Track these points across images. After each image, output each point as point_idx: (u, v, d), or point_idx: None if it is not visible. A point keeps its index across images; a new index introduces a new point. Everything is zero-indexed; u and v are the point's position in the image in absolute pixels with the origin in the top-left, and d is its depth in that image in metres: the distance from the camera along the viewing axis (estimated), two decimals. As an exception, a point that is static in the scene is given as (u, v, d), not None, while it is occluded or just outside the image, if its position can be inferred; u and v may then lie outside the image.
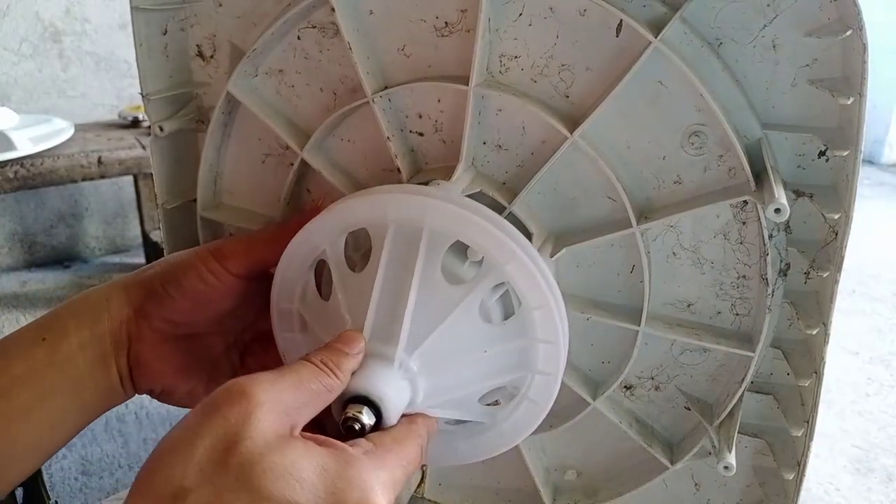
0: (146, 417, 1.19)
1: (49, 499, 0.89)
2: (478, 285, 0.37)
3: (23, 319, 1.54)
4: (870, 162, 2.62)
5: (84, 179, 1.49)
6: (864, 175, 2.46)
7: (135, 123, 1.67)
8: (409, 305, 0.36)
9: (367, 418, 0.34)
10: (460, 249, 0.40)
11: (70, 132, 1.54)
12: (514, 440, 0.41)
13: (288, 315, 0.42)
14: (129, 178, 1.75)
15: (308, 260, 0.40)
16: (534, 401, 0.39)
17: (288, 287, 0.41)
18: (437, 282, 0.37)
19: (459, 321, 0.37)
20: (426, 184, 0.44)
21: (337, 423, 0.34)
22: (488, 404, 0.45)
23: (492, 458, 0.53)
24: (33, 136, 1.46)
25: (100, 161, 1.48)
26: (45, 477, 0.93)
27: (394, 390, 0.35)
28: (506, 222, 0.38)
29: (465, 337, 0.37)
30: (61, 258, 1.86)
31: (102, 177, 1.50)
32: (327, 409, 0.33)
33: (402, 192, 0.38)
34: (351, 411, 0.34)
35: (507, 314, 0.42)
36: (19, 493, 0.87)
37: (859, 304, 1.60)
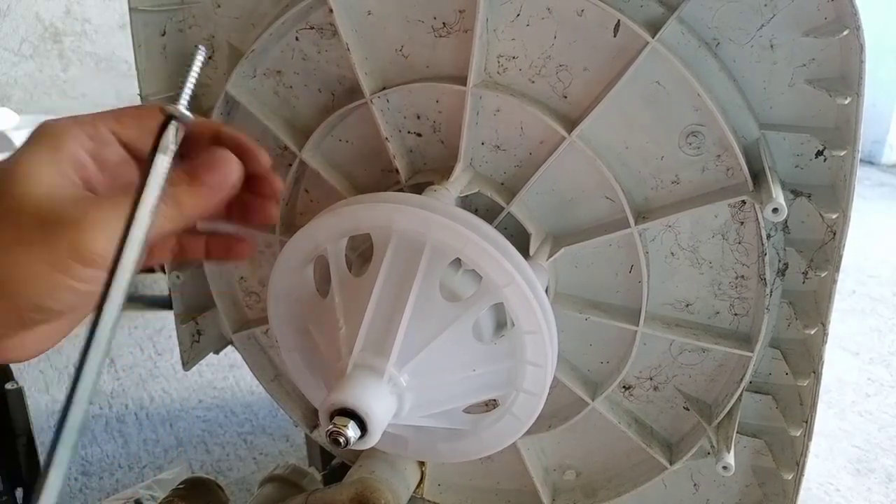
0: (146, 418, 1.18)
1: (49, 499, 0.88)
2: (474, 305, 0.37)
3: (23, 320, 1.54)
4: (870, 162, 2.61)
5: (84, 180, 1.49)
6: (864, 176, 2.45)
7: (135, 124, 1.67)
8: (405, 320, 0.36)
9: (353, 432, 0.34)
10: (455, 259, 0.40)
11: (70, 133, 1.54)
12: (491, 449, 0.42)
13: (291, 334, 0.43)
14: (129, 179, 1.75)
15: (309, 256, 0.40)
16: (516, 416, 0.40)
17: (286, 280, 0.41)
18: (433, 298, 0.37)
19: (452, 339, 0.37)
20: (425, 185, 0.44)
21: None
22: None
23: (491, 458, 0.54)
24: (33, 136, 1.46)
25: (100, 161, 1.48)
26: (45, 477, 0.93)
27: (381, 405, 0.35)
28: (507, 243, 0.38)
29: (456, 355, 0.38)
30: (61, 259, 1.86)
31: (102, 177, 1.50)
32: None
33: (409, 204, 0.38)
34: (337, 424, 0.34)
35: (499, 323, 0.42)
36: (19, 493, 0.87)
37: (859, 304, 1.60)
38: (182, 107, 0.29)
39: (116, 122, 0.32)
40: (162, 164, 0.29)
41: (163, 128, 0.29)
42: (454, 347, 0.37)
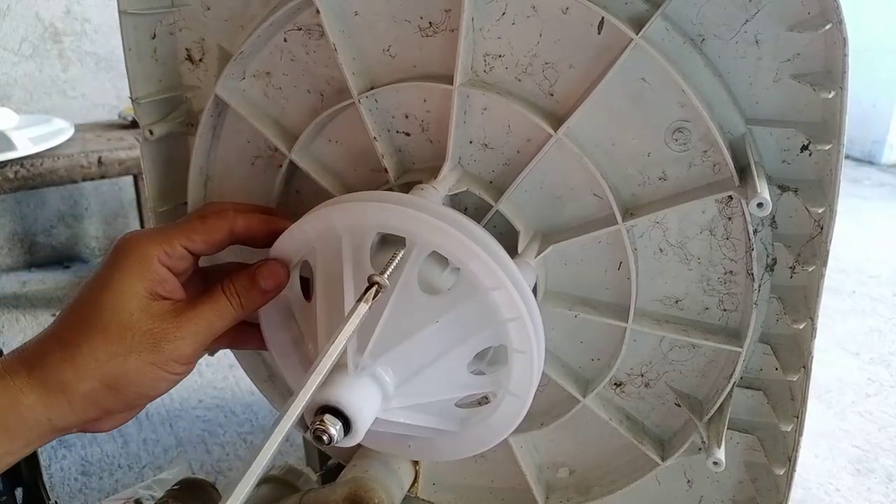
0: (146, 418, 1.19)
1: (49, 499, 0.89)
2: (406, 264, 0.37)
3: (23, 319, 1.54)
4: (870, 162, 2.60)
5: (84, 179, 1.49)
6: (864, 176, 2.44)
7: (135, 124, 1.67)
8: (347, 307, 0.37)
9: (333, 427, 0.34)
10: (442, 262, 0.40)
11: (70, 132, 1.54)
12: (519, 414, 0.41)
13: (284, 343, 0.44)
14: (129, 179, 1.76)
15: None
16: (514, 394, 0.39)
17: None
18: (368, 273, 0.37)
19: (402, 301, 0.37)
20: (414, 184, 0.44)
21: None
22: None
23: (484, 457, 0.54)
24: (33, 136, 1.47)
25: (100, 161, 1.49)
26: (45, 477, 0.94)
27: (356, 393, 0.36)
28: (426, 203, 0.38)
29: (411, 313, 0.38)
30: (61, 258, 1.86)
31: (102, 177, 1.51)
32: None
33: (348, 201, 0.39)
34: (316, 422, 0.34)
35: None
36: (19, 493, 0.88)
37: (859, 304, 1.59)
38: (385, 278, 0.36)
39: (188, 240, 0.40)
40: (361, 310, 0.36)
41: (367, 290, 0.36)
42: (407, 307, 0.38)
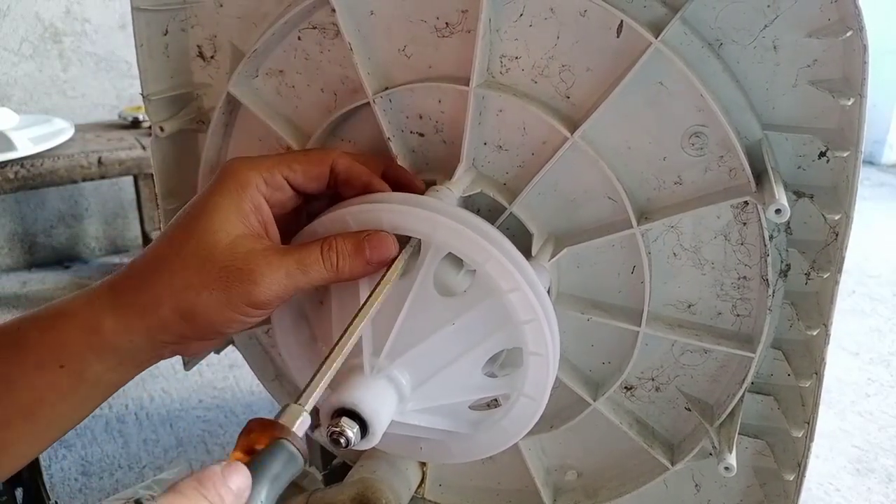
0: (146, 418, 1.18)
1: (49, 499, 0.88)
2: (422, 266, 0.37)
3: (23, 320, 1.53)
4: (870, 162, 2.62)
5: (84, 180, 1.48)
6: (864, 176, 2.45)
7: (135, 124, 1.67)
8: (365, 313, 0.37)
9: (350, 430, 0.34)
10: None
11: (70, 132, 1.53)
12: (517, 435, 0.41)
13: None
14: (129, 179, 1.74)
15: None
16: (529, 397, 0.39)
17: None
18: (405, 287, 0.37)
19: (418, 302, 0.37)
20: (428, 185, 0.44)
21: None
22: (487, 405, 0.45)
23: (492, 458, 0.54)
24: (33, 136, 1.46)
25: (100, 161, 1.48)
26: (45, 477, 0.93)
27: (373, 395, 0.35)
28: (442, 204, 0.38)
29: (427, 315, 0.38)
30: (61, 258, 1.85)
31: (102, 177, 1.50)
32: None
33: (359, 203, 0.39)
34: (333, 425, 0.34)
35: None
36: (19, 493, 0.87)
37: (859, 304, 1.60)
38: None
39: (288, 169, 0.38)
40: (392, 275, 0.37)
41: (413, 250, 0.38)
42: (424, 309, 0.38)
